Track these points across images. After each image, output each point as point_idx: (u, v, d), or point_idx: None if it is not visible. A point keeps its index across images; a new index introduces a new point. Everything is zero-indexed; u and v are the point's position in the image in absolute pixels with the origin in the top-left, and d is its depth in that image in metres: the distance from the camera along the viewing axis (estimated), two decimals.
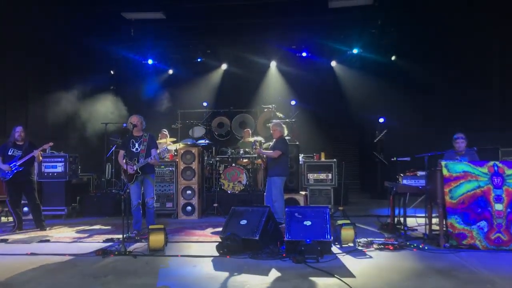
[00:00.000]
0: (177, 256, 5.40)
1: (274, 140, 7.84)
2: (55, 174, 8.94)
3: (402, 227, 6.66)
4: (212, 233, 7.03)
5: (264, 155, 7.93)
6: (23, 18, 10.21)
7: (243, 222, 5.77)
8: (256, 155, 9.37)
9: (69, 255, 5.52)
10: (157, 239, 5.59)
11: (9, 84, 10.64)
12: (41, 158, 7.77)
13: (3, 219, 8.66)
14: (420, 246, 5.67)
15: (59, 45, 11.28)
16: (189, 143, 10.46)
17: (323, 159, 9.41)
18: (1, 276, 4.61)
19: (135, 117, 7.03)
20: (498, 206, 5.53)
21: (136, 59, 13.00)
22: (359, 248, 5.69)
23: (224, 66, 13.80)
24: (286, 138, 8.14)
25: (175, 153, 9.57)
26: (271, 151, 7.58)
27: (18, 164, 7.33)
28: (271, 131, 7.86)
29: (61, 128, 11.77)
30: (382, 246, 5.68)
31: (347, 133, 14.16)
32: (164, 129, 10.81)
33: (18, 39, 10.41)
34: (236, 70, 13.68)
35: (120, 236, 5.90)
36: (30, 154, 7.40)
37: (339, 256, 5.29)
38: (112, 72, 13.49)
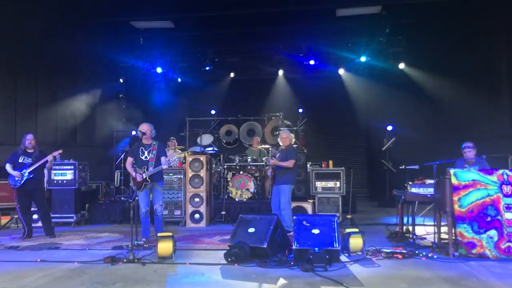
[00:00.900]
0: (185, 264, 5.41)
1: (282, 148, 7.81)
2: (65, 181, 9.00)
3: (410, 236, 6.62)
4: (220, 241, 7.04)
5: (282, 165, 7.67)
6: (33, 27, 10.36)
7: (251, 230, 5.77)
8: (265, 163, 9.36)
9: (78, 262, 5.55)
10: (165, 246, 5.60)
11: (19, 92, 10.77)
12: (51, 165, 7.84)
13: (13, 226, 8.73)
14: (429, 255, 5.64)
15: (69, 54, 11.43)
16: (197, 150, 10.50)
17: (331, 167, 9.39)
18: (11, 283, 4.66)
19: (145, 125, 7.06)
20: (508, 215, 5.49)
21: (145, 67, 13.11)
22: (368, 256, 5.66)
23: (232, 75, 13.87)
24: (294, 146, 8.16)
25: (183, 161, 9.61)
26: (287, 162, 7.53)
27: (29, 171, 7.40)
28: (281, 139, 7.83)
29: (71, 136, 11.89)
30: (390, 255, 5.64)
31: (355, 141, 14.13)
32: (173, 137, 10.88)
33: (27, 48, 10.55)
34: (244, 78, 13.76)
35: (129, 243, 5.93)
36: (42, 160, 7.47)
37: (348, 265, 5.27)
38: (121, 81, 13.62)
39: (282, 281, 4.62)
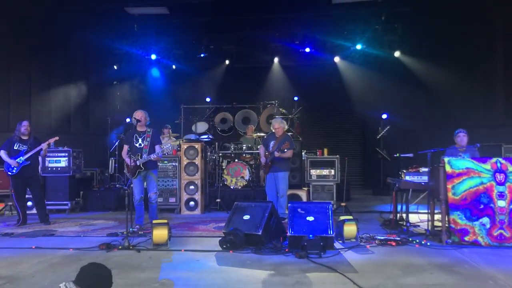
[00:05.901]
0: (180, 250, 5.43)
1: (276, 136, 7.75)
2: (59, 168, 8.98)
3: (404, 223, 6.67)
4: (215, 228, 7.07)
5: (284, 156, 7.60)
6: (26, 14, 10.24)
7: (246, 217, 5.79)
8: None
9: (73, 249, 5.56)
10: (160, 233, 5.62)
11: (13, 80, 10.68)
12: (45, 152, 7.81)
13: (8, 213, 8.71)
14: (422, 242, 5.69)
15: (63, 40, 11.31)
16: (192, 138, 10.48)
17: (325, 155, 9.42)
18: (6, 270, 4.66)
19: (139, 112, 7.04)
20: (501, 203, 5.53)
21: (139, 54, 12.99)
22: (362, 243, 5.71)
23: (227, 62, 13.78)
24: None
25: (178, 149, 9.60)
26: (287, 152, 7.52)
27: (25, 158, 7.36)
28: (275, 128, 7.78)
29: (65, 123, 11.82)
30: (384, 242, 5.69)
31: (349, 129, 14.15)
32: (167, 124, 10.85)
33: (21, 34, 10.43)
34: (239, 65, 13.67)
35: (124, 230, 5.94)
36: (38, 147, 7.44)
37: (342, 252, 5.31)
38: (115, 67, 13.51)
39: (277, 267, 4.64)
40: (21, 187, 7.56)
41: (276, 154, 7.46)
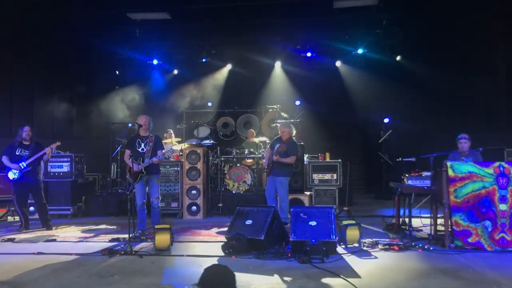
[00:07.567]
0: (182, 256, 5.42)
1: (283, 141, 7.68)
2: (61, 174, 8.97)
3: (407, 228, 6.65)
4: (217, 233, 7.05)
5: (284, 161, 7.47)
6: (28, 20, 10.29)
7: (249, 222, 5.79)
8: (262, 156, 9.33)
9: (76, 254, 5.55)
10: (163, 238, 5.62)
11: (15, 85, 10.72)
12: (49, 157, 7.81)
13: (10, 218, 8.70)
14: (426, 247, 5.67)
15: (65, 46, 11.36)
16: (194, 143, 10.48)
17: (328, 159, 9.39)
18: (8, 275, 4.65)
19: (143, 117, 7.10)
20: (502, 206, 5.53)
21: (141, 59, 13.03)
22: (364, 248, 5.69)
23: (229, 66, 13.80)
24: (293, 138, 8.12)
25: (180, 153, 9.59)
26: (288, 158, 7.42)
27: (27, 163, 7.36)
28: (280, 132, 7.75)
29: (67, 128, 11.85)
30: (387, 247, 5.67)
31: (352, 133, 14.14)
32: (169, 129, 10.86)
33: (23, 40, 10.48)
34: (241, 70, 13.69)
35: (126, 235, 5.93)
36: (40, 152, 7.43)
37: (345, 257, 5.29)
38: (117, 72, 13.53)
39: (279, 272, 4.63)
40: (22, 192, 7.55)
41: (274, 158, 7.44)
